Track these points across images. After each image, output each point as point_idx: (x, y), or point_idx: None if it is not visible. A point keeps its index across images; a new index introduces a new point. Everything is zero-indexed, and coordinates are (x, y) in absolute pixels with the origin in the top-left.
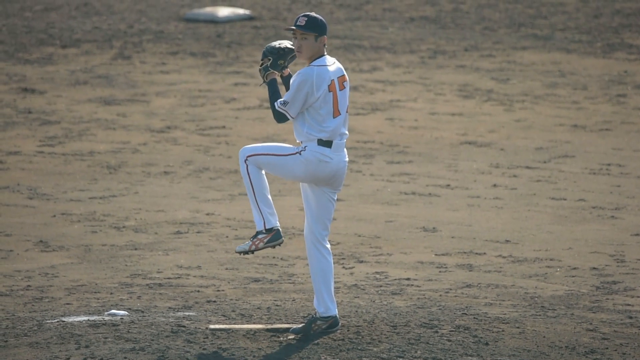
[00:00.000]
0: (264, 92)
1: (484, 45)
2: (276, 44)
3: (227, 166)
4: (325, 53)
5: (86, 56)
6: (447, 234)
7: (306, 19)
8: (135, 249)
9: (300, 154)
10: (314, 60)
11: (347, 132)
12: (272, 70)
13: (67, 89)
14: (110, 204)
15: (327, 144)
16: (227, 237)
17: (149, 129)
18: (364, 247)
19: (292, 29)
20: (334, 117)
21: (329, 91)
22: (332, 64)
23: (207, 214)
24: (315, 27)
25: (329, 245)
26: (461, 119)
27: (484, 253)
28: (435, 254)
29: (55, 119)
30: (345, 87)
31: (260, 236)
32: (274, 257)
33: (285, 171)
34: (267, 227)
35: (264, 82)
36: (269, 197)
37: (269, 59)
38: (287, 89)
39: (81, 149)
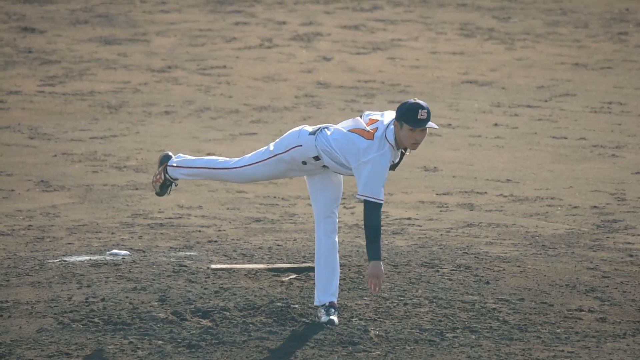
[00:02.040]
0: (264, 31)
1: None
2: None
3: (228, 106)
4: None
5: None
6: (448, 174)
7: (427, 112)
8: (137, 189)
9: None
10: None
11: None
12: None
13: (67, 28)
14: (111, 143)
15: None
16: None
17: (150, 69)
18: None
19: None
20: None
21: None
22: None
23: (208, 154)
24: (403, 117)
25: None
26: (462, 58)
27: (485, 192)
28: (437, 194)
29: (55, 58)
30: None
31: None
32: (274, 197)
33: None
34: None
35: None
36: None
37: None
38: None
39: (82, 88)
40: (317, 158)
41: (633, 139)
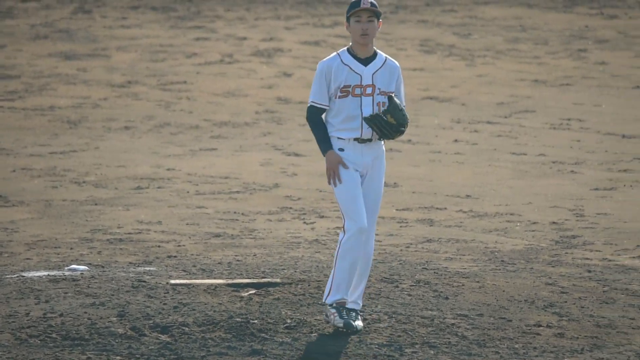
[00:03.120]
0: (225, 46)
1: (445, 0)
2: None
3: (188, 121)
4: None
5: (46, 10)
6: (408, 189)
7: (374, 6)
8: (96, 204)
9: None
10: (374, 50)
11: None
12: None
13: (27, 43)
14: (71, 159)
15: None
16: (188, 192)
17: (110, 84)
18: (325, 203)
19: (359, 10)
20: None
21: None
22: None
23: (168, 169)
24: (378, 10)
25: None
26: (423, 74)
27: (445, 208)
28: (397, 209)
29: (15, 73)
30: None
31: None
32: (234, 213)
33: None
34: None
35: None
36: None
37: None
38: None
39: (42, 103)
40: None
41: (592, 156)
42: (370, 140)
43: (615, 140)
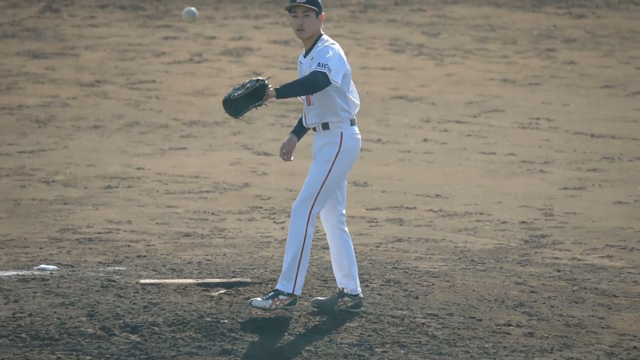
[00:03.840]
0: (194, 45)
1: None
2: (241, 89)
3: (158, 120)
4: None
5: (14, 9)
6: (378, 189)
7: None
8: (65, 204)
9: (340, 150)
10: (316, 40)
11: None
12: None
13: None
14: (40, 158)
15: (354, 122)
16: (157, 191)
17: (79, 83)
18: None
19: (294, 5)
20: (356, 90)
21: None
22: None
23: (138, 169)
24: (316, 3)
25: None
26: (392, 74)
27: (415, 207)
28: (366, 209)
29: None
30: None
31: (282, 297)
32: (204, 212)
33: (342, 177)
34: (293, 293)
35: (263, 101)
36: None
37: (255, 99)
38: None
39: (10, 102)
40: None
41: (561, 155)
42: (315, 129)
43: (584, 139)
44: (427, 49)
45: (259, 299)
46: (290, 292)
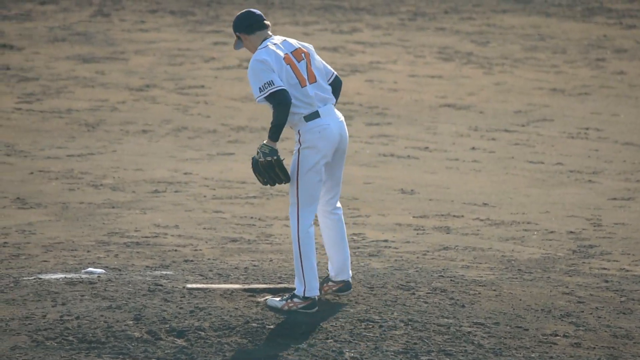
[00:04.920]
0: (243, 51)
1: (463, 7)
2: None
3: (206, 125)
4: (270, 35)
5: (65, 13)
6: (425, 197)
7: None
8: (113, 207)
9: (300, 147)
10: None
11: (331, 97)
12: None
13: (45, 45)
14: (88, 161)
15: (315, 115)
16: (205, 196)
17: (128, 87)
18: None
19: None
20: (302, 87)
21: (286, 64)
22: (279, 42)
23: (185, 174)
24: (234, 30)
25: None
26: (440, 82)
27: (462, 216)
28: (413, 216)
29: (33, 75)
30: (304, 58)
31: (295, 300)
32: (251, 218)
33: (315, 172)
34: (306, 295)
35: (274, 159)
36: (315, 261)
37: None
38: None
39: (59, 106)
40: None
41: (610, 165)
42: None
43: (634, 150)
44: (476, 58)
45: (276, 298)
46: (302, 294)
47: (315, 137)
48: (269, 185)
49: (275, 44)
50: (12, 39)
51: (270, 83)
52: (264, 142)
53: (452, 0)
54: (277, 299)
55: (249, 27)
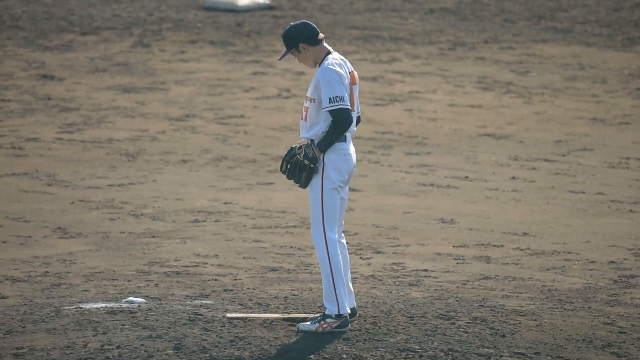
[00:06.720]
0: (282, 81)
1: (503, 37)
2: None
3: (246, 155)
4: (330, 49)
5: (105, 44)
6: (465, 226)
7: (283, 40)
8: (153, 237)
9: (324, 167)
10: (322, 60)
11: (355, 128)
12: (311, 155)
13: (86, 76)
14: (129, 191)
15: (344, 139)
16: (244, 226)
17: (168, 117)
18: (381, 238)
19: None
20: (351, 111)
21: (347, 84)
22: (343, 58)
23: (225, 203)
24: (291, 42)
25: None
26: (480, 111)
27: (502, 245)
28: (453, 246)
29: (74, 105)
30: (356, 82)
31: (329, 320)
32: (291, 247)
33: (336, 191)
34: (340, 313)
35: (313, 157)
36: (344, 277)
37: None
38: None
39: (100, 136)
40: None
41: None
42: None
43: None
44: (515, 87)
45: (307, 322)
46: (336, 313)
47: (340, 160)
48: (285, 176)
49: (342, 59)
50: (54, 69)
51: (342, 98)
52: (312, 145)
53: (491, 30)
54: (308, 322)
55: (313, 37)
